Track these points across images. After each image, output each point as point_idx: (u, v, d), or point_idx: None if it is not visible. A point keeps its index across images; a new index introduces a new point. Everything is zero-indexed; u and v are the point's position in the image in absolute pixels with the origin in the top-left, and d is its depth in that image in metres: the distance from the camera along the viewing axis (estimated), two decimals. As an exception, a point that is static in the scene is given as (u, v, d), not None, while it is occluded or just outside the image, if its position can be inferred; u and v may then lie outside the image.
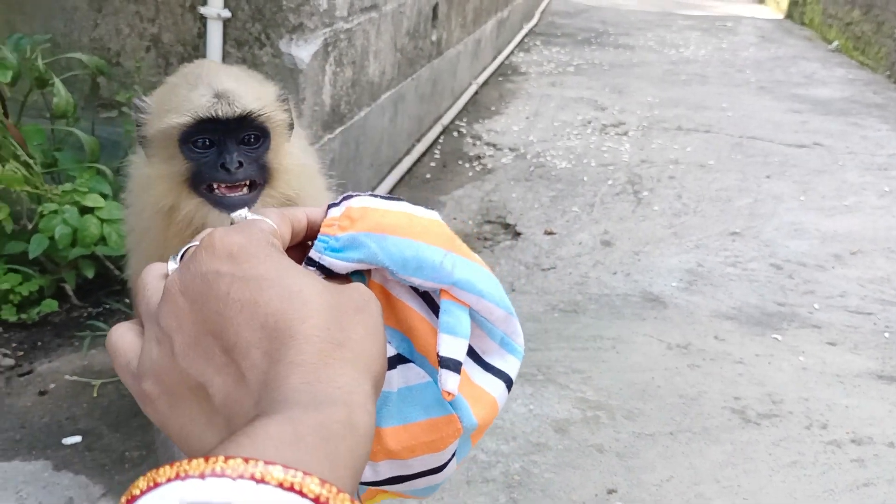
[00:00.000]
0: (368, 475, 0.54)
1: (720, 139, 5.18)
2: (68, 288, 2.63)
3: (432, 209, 0.56)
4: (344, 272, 0.52)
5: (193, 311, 0.43)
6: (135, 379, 0.45)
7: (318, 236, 0.52)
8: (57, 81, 2.37)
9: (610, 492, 2.06)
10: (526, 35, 8.25)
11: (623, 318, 2.93)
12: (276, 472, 0.33)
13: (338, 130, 3.19)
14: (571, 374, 2.55)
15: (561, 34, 8.60)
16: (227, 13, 2.63)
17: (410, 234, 0.53)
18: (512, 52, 7.42)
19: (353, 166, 3.47)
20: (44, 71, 2.37)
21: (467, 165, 4.46)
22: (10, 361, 2.39)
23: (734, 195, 4.20)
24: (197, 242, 0.47)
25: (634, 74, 6.88)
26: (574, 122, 5.36)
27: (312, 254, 0.52)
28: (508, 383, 0.58)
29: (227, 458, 0.33)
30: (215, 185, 1.41)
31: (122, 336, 0.47)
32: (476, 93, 5.86)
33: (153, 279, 0.48)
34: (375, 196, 0.55)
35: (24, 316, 2.54)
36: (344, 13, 3.09)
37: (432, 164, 4.43)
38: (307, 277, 0.45)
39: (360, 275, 0.54)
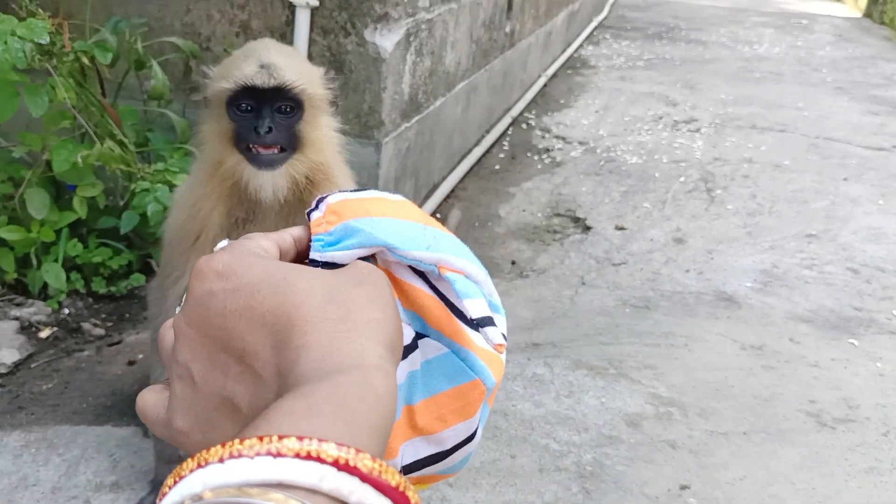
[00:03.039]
0: (408, 456, 0.56)
1: (796, 139, 5.07)
2: (154, 263, 2.73)
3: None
4: (348, 262, 0.53)
5: (200, 335, 0.44)
6: (166, 426, 0.46)
7: (312, 238, 0.53)
8: (154, 64, 2.45)
9: (683, 487, 2.06)
10: (595, 28, 8.18)
11: (696, 316, 2.91)
12: (292, 444, 0.33)
13: (414, 119, 3.23)
14: (643, 369, 2.55)
15: (631, 28, 8.50)
16: (315, 1, 2.69)
17: (390, 214, 0.55)
18: (581, 45, 7.37)
19: (427, 155, 3.51)
20: (142, 54, 2.46)
21: (536, 158, 4.46)
22: (100, 331, 2.50)
23: (810, 197, 4.12)
24: None
25: (707, 70, 6.78)
26: (645, 118, 5.31)
27: (313, 254, 0.52)
28: (503, 340, 0.60)
29: (242, 440, 0.34)
30: (251, 145, 1.58)
31: (145, 398, 0.48)
32: (545, 85, 5.85)
33: (166, 330, 0.49)
34: (345, 191, 0.57)
35: (113, 289, 2.65)
36: (426, 4, 3.12)
37: (501, 155, 4.44)
38: (297, 269, 0.45)
39: (363, 262, 0.55)
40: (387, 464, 0.35)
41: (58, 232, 2.55)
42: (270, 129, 1.55)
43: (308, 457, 0.33)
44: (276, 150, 1.58)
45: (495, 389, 0.58)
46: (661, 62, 7.03)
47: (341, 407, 0.37)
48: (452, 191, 3.77)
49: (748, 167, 4.50)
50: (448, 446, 0.56)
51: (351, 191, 0.57)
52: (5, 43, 2.15)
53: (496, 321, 0.60)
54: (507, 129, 4.81)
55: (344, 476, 0.33)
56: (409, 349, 0.55)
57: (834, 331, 2.90)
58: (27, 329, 2.44)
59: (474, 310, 0.54)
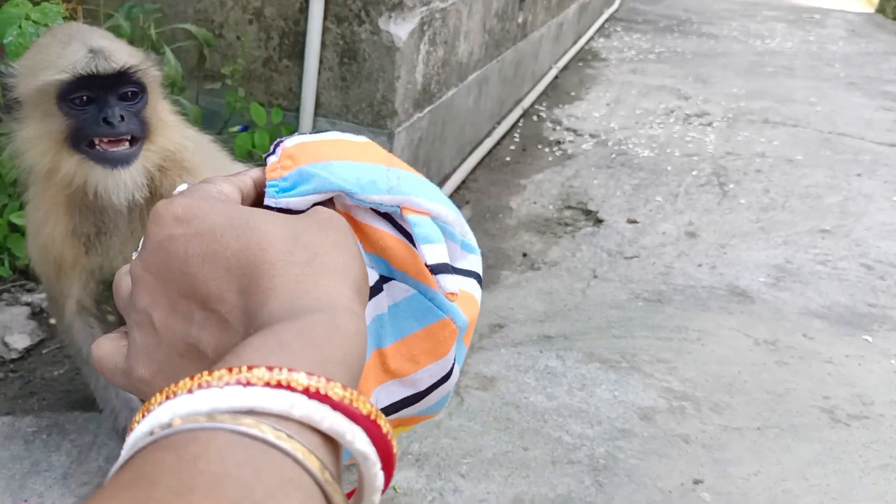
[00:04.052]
0: (383, 399, 0.55)
1: (808, 134, 5.04)
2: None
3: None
4: (305, 208, 0.51)
5: (161, 281, 0.43)
6: (126, 374, 0.44)
7: (266, 184, 0.51)
8: (168, 51, 2.44)
9: (696, 482, 2.05)
10: (606, 20, 8.14)
11: (709, 310, 2.89)
12: (261, 374, 0.33)
13: (427, 109, 3.22)
14: (656, 363, 2.54)
15: (642, 21, 8.46)
16: (329, -12, 2.67)
17: (351, 157, 0.53)
18: (592, 38, 7.33)
19: (439, 145, 3.49)
20: (156, 40, 2.44)
21: (547, 150, 4.44)
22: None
23: (823, 192, 4.09)
24: None
25: (718, 64, 6.73)
26: (656, 111, 5.28)
27: (267, 201, 0.51)
28: (478, 279, 0.60)
29: (210, 372, 0.34)
30: (96, 141, 1.41)
31: (101, 346, 0.46)
32: (556, 77, 5.82)
33: (122, 276, 0.47)
34: (304, 134, 0.55)
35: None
36: (440, -8, 3.10)
37: (512, 147, 4.42)
38: (260, 212, 0.44)
39: (323, 207, 0.53)
40: (357, 393, 0.35)
41: (70, 218, 2.54)
42: (123, 118, 1.39)
43: (278, 385, 0.33)
44: (126, 144, 1.41)
45: (471, 328, 0.58)
46: (672, 55, 6.98)
47: (311, 344, 0.36)
48: (463, 182, 3.75)
49: (761, 161, 4.47)
50: (423, 387, 0.56)
51: (311, 134, 0.56)
52: (20, 27, 2.13)
53: (469, 262, 0.60)
54: (518, 120, 4.79)
55: (315, 403, 0.33)
56: (374, 291, 0.54)
57: (848, 327, 2.88)
58: (38, 315, 2.44)
59: (431, 256, 0.53)
